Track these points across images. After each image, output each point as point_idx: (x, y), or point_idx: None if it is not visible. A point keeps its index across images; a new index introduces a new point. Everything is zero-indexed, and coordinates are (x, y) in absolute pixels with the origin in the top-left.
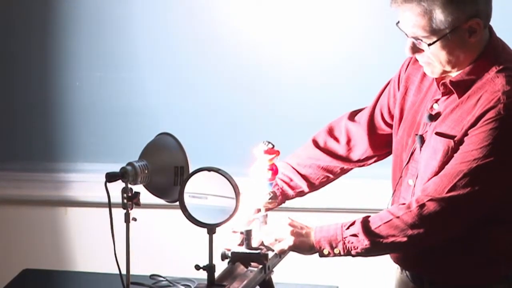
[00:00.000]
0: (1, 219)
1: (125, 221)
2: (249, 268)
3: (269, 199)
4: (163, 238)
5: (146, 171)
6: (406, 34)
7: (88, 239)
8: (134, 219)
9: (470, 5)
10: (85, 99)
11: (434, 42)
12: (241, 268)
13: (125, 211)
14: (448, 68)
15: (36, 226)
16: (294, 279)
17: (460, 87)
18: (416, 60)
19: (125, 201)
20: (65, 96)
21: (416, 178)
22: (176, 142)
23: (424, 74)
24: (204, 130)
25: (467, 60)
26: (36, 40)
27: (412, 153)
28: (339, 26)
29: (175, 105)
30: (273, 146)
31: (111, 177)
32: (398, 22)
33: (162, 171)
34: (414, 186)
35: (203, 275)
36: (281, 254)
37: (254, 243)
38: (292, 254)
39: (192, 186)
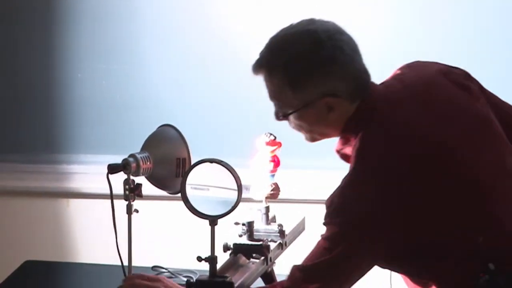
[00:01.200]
0: (3, 211)
1: (127, 213)
2: (251, 259)
3: (271, 190)
4: (165, 230)
5: (148, 163)
6: None
7: (90, 231)
8: (136, 211)
9: (321, 84)
10: (87, 91)
11: (291, 113)
12: (243, 259)
13: (127, 202)
14: (318, 137)
15: (38, 217)
16: None
17: (344, 157)
18: None
19: (127, 192)
20: (67, 88)
21: None
22: (178, 133)
23: None
24: (206, 121)
25: (334, 132)
26: (38, 31)
27: None
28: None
29: (177, 96)
30: (275, 137)
31: (113, 169)
32: None
33: (164, 162)
34: None
35: (205, 266)
36: None
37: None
38: (294, 245)
39: (194, 178)
